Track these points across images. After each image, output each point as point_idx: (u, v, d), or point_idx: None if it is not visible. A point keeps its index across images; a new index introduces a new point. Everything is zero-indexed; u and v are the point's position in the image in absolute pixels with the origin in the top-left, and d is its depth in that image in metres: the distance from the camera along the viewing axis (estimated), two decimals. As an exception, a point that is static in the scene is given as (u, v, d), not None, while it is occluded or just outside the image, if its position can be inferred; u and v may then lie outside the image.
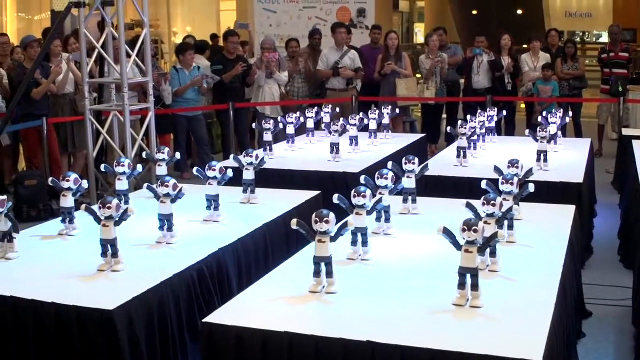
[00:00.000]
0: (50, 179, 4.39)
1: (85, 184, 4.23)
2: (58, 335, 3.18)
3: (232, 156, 5.14)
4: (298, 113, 7.06)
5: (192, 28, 20.75)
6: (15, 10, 17.65)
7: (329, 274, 3.17)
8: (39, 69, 7.98)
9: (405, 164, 4.38)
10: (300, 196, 5.00)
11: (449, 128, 6.38)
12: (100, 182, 7.48)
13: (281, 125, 6.72)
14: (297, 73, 10.47)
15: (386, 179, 3.99)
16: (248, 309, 3.06)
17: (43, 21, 16.95)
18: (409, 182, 4.37)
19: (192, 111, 9.79)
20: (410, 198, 4.44)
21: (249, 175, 4.84)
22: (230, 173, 4.44)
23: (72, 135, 8.69)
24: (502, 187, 3.89)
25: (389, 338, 2.71)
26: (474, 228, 2.97)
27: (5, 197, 3.76)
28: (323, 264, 3.16)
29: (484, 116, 7.01)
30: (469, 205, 3.52)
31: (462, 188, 5.30)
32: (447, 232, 3.04)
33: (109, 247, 3.53)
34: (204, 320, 2.96)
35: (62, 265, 3.67)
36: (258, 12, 13.01)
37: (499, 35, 11.00)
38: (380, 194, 3.92)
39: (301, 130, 7.16)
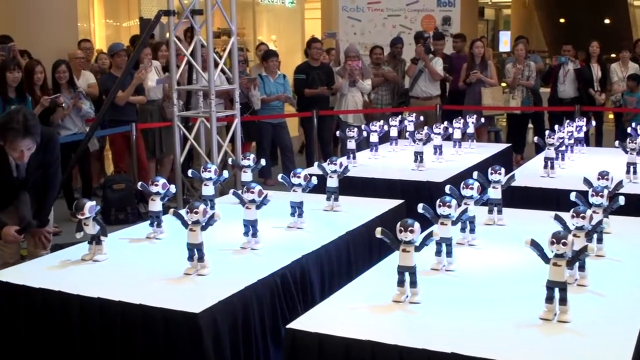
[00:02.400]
0: (139, 183, 4.49)
1: (172, 188, 4.32)
2: (144, 336, 3.24)
3: (316, 164, 5.17)
4: (382, 121, 7.05)
5: (277, 36, 20.95)
6: (103, 16, 18.06)
7: (413, 284, 3.15)
8: (128, 76, 8.17)
9: (491, 174, 4.33)
10: (384, 205, 4.98)
11: (536, 138, 6.27)
12: (186, 186, 7.61)
13: (365, 134, 6.72)
14: (382, 81, 10.46)
15: (472, 189, 3.94)
16: (331, 316, 3.06)
17: (131, 28, 17.31)
18: (494, 193, 4.31)
19: (277, 118, 9.89)
20: (495, 209, 4.38)
21: (332, 182, 4.85)
22: (314, 180, 4.45)
23: (160, 140, 8.86)
24: (591, 200, 3.81)
25: (474, 350, 2.68)
26: (563, 241, 2.91)
27: (94, 202, 3.86)
28: (407, 274, 3.15)
29: (572, 126, 6.87)
30: (557, 218, 3.45)
31: (550, 199, 5.19)
32: (534, 245, 2.99)
33: (195, 251, 3.58)
34: (288, 326, 2.98)
35: (149, 267, 3.76)
36: (342, 20, 13.05)
37: (587, 43, 10.80)
38: (465, 204, 3.87)
39: (384, 138, 7.15)
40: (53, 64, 8.07)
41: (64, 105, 7.84)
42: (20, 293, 3.56)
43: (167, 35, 7.74)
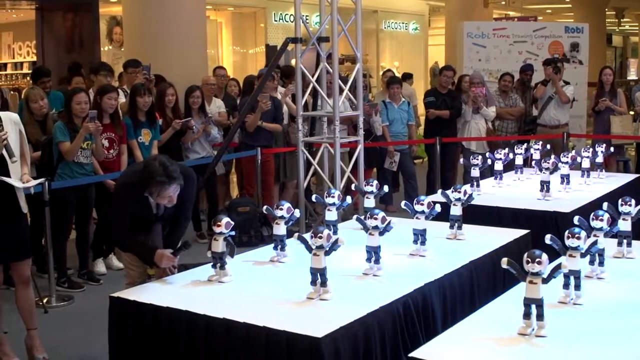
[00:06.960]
0: (265, 206, 4.57)
1: (297, 212, 4.37)
2: (267, 357, 3.28)
3: (439, 191, 5.12)
4: (506, 149, 6.94)
5: (399, 62, 20.99)
6: (231, 43, 18.53)
7: (540, 317, 3.08)
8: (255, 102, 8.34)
9: (622, 205, 4.19)
10: (508, 234, 4.89)
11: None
12: (308, 211, 7.69)
13: (489, 161, 6.63)
14: (507, 112, 10.31)
15: (601, 220, 3.83)
16: (454, 347, 3.02)
17: (257, 55, 17.71)
18: (625, 225, 4.17)
19: (400, 144, 9.88)
20: (625, 241, 4.23)
21: (456, 210, 4.80)
22: (437, 208, 4.41)
23: (284, 165, 9.00)
24: None
25: (603, 388, 2.59)
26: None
27: (228, 219, 3.97)
28: (533, 306, 3.07)
29: None
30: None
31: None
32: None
33: (318, 276, 3.61)
34: (410, 355, 2.96)
35: (272, 290, 3.81)
36: (467, 46, 12.93)
37: None
38: (594, 235, 3.76)
39: (509, 166, 7.03)
40: (187, 89, 8.34)
41: (193, 129, 8.09)
42: (148, 311, 3.68)
43: (293, 62, 7.86)
